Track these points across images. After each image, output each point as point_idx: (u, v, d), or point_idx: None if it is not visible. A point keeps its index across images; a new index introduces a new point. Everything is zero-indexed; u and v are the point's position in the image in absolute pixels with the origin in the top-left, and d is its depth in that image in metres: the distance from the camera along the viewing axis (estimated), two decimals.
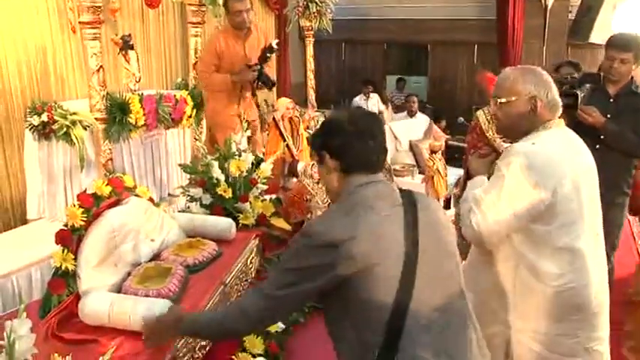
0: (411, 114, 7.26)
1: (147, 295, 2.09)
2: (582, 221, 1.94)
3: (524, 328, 1.97)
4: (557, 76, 3.18)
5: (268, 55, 4.29)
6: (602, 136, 2.97)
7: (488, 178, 2.15)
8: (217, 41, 4.39)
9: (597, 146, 2.85)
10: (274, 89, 4.79)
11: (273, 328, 2.52)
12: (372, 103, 8.62)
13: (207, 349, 2.23)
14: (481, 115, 2.68)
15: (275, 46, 4.25)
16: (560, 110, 2.01)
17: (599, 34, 7.70)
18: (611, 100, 3.08)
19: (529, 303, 1.95)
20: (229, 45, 4.35)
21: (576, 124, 2.85)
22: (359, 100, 8.61)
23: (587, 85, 3.07)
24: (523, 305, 1.96)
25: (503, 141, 2.53)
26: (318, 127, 1.85)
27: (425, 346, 1.47)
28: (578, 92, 2.84)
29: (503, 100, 1.99)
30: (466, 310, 1.62)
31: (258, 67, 4.26)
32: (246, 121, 3.90)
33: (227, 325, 1.67)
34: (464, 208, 2.01)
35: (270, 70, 4.46)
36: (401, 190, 1.66)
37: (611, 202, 2.94)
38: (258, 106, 4.46)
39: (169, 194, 4.51)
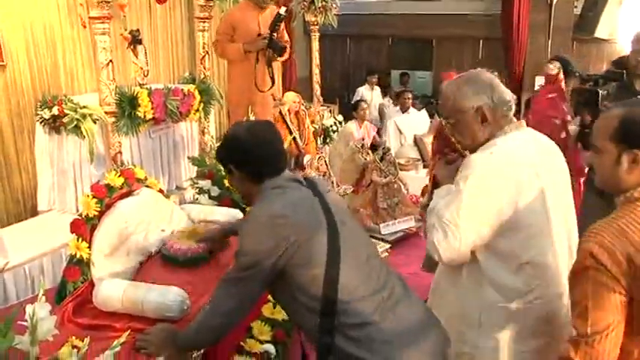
0: (404, 109, 7.14)
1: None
2: (550, 232, 1.83)
3: (492, 347, 1.87)
4: (582, 75, 3.17)
5: (277, 23, 4.42)
6: None
7: None
8: (233, 13, 4.66)
9: None
10: (280, 84, 4.86)
11: (279, 316, 2.57)
12: (376, 94, 8.67)
13: None
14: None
15: (283, 13, 4.40)
16: (514, 107, 1.90)
17: (604, 29, 7.72)
18: (638, 96, 2.90)
19: (495, 322, 1.85)
20: (245, 17, 4.53)
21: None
22: (363, 90, 8.67)
23: (614, 83, 2.97)
24: (489, 324, 1.86)
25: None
26: (221, 141, 1.97)
27: (364, 307, 1.65)
28: (600, 90, 2.78)
29: (452, 120, 1.92)
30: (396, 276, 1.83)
31: (269, 35, 4.41)
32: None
33: (210, 324, 1.79)
34: (429, 223, 1.90)
35: (284, 42, 4.63)
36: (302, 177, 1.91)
37: None
38: (273, 80, 4.56)
39: (177, 187, 4.58)
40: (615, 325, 1.38)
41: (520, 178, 1.78)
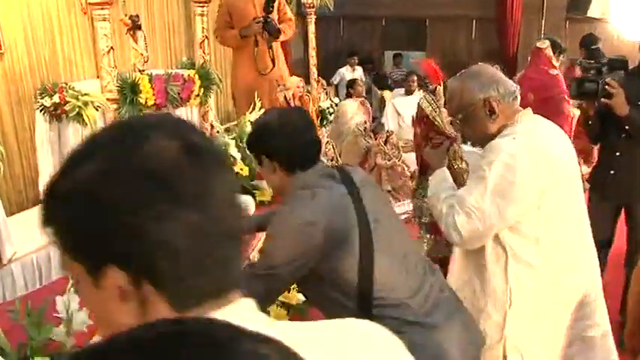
0: (410, 92, 7.17)
1: None
2: (565, 214, 1.89)
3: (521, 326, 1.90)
4: (583, 64, 3.02)
5: (271, 4, 4.45)
6: (627, 126, 2.75)
7: (449, 168, 2.11)
8: (228, 1, 4.69)
9: (622, 135, 2.76)
10: (285, 66, 4.89)
11: (294, 300, 2.61)
12: (358, 74, 8.71)
13: None
14: (424, 103, 2.48)
15: None
16: (519, 96, 1.93)
17: (597, 8, 7.76)
18: None
19: (525, 299, 1.88)
20: (239, 2, 4.57)
21: (600, 113, 2.78)
22: (344, 71, 8.74)
23: (622, 72, 2.85)
24: (520, 303, 1.89)
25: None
26: (250, 131, 1.90)
27: (401, 311, 1.61)
28: (599, 80, 2.68)
29: (460, 116, 1.93)
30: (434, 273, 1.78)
31: (263, 18, 4.44)
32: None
33: None
34: (440, 209, 1.92)
35: (287, 21, 4.75)
36: (336, 167, 1.85)
37: (637, 197, 2.86)
38: (273, 62, 4.63)
39: None
40: None
41: (542, 163, 1.81)
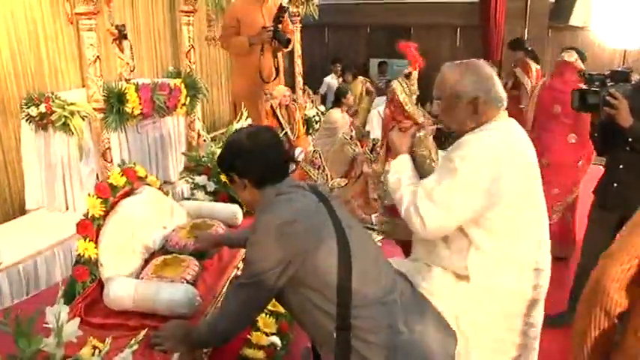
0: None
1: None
2: (529, 212, 1.92)
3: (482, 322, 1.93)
4: (587, 75, 2.95)
5: (281, 15, 4.50)
6: (630, 139, 2.68)
7: (412, 154, 2.12)
8: (236, 6, 4.71)
9: (627, 148, 2.72)
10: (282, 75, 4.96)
11: (282, 308, 2.62)
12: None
13: None
14: (397, 87, 2.44)
15: (285, 5, 4.52)
16: (505, 103, 1.94)
17: (579, 17, 7.87)
18: None
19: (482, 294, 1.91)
20: (248, 10, 4.59)
21: (604, 124, 2.74)
22: (329, 79, 8.73)
23: (631, 83, 2.79)
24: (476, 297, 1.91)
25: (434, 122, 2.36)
26: (221, 151, 1.95)
27: (378, 312, 1.68)
28: (600, 91, 2.65)
29: (444, 103, 1.95)
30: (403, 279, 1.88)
31: (273, 27, 4.47)
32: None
33: (220, 327, 1.81)
34: (401, 194, 1.95)
35: (289, 32, 4.78)
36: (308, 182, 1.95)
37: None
38: (277, 71, 4.68)
39: (165, 181, 4.57)
40: None
41: (511, 162, 1.85)
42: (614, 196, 2.88)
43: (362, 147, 4.52)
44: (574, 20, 7.83)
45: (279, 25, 4.54)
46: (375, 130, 6.47)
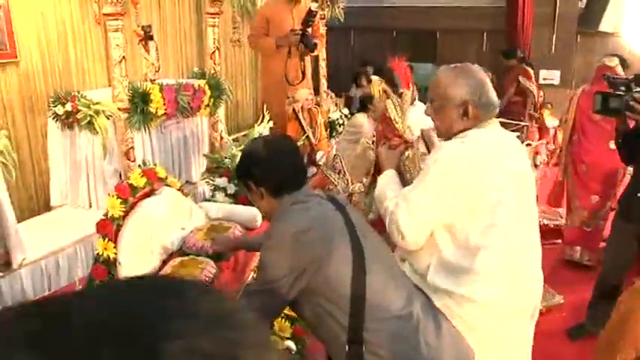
0: (411, 102, 7.13)
1: None
2: (504, 226, 1.84)
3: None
4: (611, 79, 2.80)
5: (311, 19, 4.51)
6: None
7: (397, 171, 2.13)
8: (267, 7, 4.74)
9: None
10: (310, 78, 4.98)
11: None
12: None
13: None
14: (390, 105, 2.54)
15: (315, 9, 4.49)
16: (497, 109, 1.95)
17: (609, 23, 7.74)
18: None
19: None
20: (278, 12, 4.62)
21: (630, 132, 2.70)
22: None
23: None
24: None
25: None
26: (238, 160, 1.95)
27: (392, 325, 1.65)
28: (624, 95, 2.60)
29: (436, 104, 1.97)
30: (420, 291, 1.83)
31: (301, 30, 4.49)
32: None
33: None
34: (386, 207, 1.96)
35: (319, 37, 4.76)
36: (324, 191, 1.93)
37: None
38: (304, 74, 4.70)
39: (187, 181, 4.61)
40: None
41: (485, 170, 1.83)
42: (637, 207, 2.82)
43: None
44: (604, 26, 7.70)
45: (309, 29, 4.55)
46: None
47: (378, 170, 2.34)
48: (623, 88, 2.67)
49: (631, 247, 2.93)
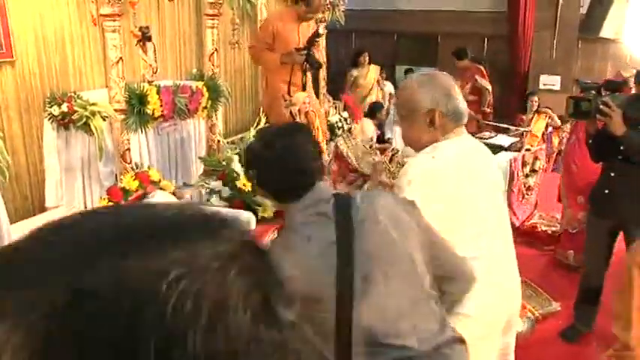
0: None
1: None
2: (484, 235, 1.82)
3: None
4: (582, 84, 3.06)
5: (316, 39, 4.50)
6: (622, 147, 2.73)
7: None
8: (274, 21, 4.63)
9: (619, 156, 2.77)
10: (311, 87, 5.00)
11: None
12: (388, 90, 8.46)
13: None
14: (341, 143, 2.55)
15: (321, 32, 4.50)
16: (466, 118, 1.90)
17: (610, 29, 7.71)
18: None
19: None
20: (285, 28, 4.54)
21: (599, 132, 2.79)
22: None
23: (622, 94, 2.86)
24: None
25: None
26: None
27: None
28: (594, 99, 2.72)
29: (403, 113, 1.93)
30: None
31: (306, 50, 4.45)
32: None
33: None
34: None
35: (319, 53, 4.72)
36: (342, 199, 1.48)
37: (632, 218, 2.83)
38: (304, 88, 4.67)
39: (185, 183, 4.58)
40: None
41: (461, 181, 1.81)
42: (607, 203, 2.94)
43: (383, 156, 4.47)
44: (605, 32, 7.68)
45: (312, 48, 4.53)
46: (396, 138, 6.40)
47: None
48: (592, 92, 2.85)
49: (605, 244, 3.05)
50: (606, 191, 2.93)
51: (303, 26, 4.62)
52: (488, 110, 6.87)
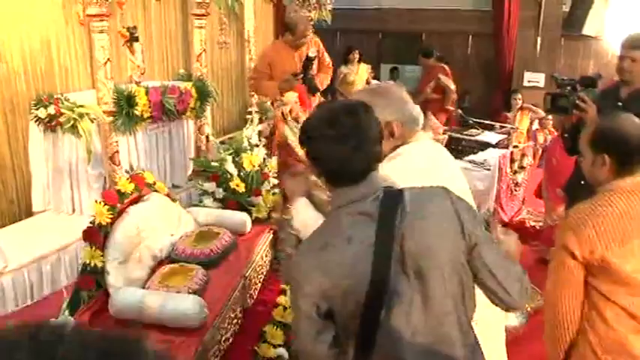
0: None
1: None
2: None
3: None
4: (559, 80, 3.10)
5: (309, 64, 4.50)
6: None
7: (308, 196, 2.01)
8: (269, 53, 4.73)
9: None
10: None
11: (290, 319, 2.57)
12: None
13: (231, 340, 2.29)
14: (288, 132, 2.49)
15: (312, 55, 4.49)
16: (422, 121, 1.93)
17: (592, 27, 7.82)
18: (620, 103, 2.83)
19: None
20: (281, 57, 4.59)
21: (574, 125, 2.85)
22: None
23: (596, 89, 2.94)
24: None
25: None
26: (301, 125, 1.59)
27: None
28: (570, 95, 2.81)
29: None
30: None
31: (302, 74, 4.46)
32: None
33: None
34: None
35: (319, 78, 4.77)
36: (390, 196, 1.41)
37: None
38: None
39: (174, 185, 4.53)
40: None
41: (426, 182, 1.77)
42: (581, 193, 3.02)
43: None
44: (587, 30, 7.78)
45: (309, 71, 4.54)
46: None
47: (286, 199, 2.20)
48: (568, 88, 2.91)
49: None
50: (582, 182, 3.00)
51: (300, 52, 4.65)
52: (452, 108, 7.02)
